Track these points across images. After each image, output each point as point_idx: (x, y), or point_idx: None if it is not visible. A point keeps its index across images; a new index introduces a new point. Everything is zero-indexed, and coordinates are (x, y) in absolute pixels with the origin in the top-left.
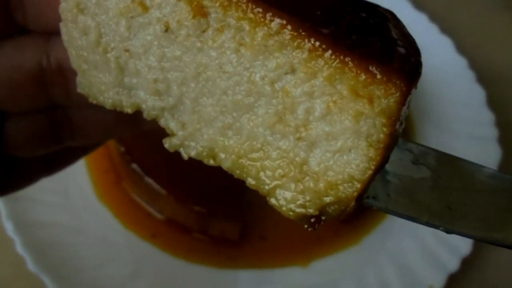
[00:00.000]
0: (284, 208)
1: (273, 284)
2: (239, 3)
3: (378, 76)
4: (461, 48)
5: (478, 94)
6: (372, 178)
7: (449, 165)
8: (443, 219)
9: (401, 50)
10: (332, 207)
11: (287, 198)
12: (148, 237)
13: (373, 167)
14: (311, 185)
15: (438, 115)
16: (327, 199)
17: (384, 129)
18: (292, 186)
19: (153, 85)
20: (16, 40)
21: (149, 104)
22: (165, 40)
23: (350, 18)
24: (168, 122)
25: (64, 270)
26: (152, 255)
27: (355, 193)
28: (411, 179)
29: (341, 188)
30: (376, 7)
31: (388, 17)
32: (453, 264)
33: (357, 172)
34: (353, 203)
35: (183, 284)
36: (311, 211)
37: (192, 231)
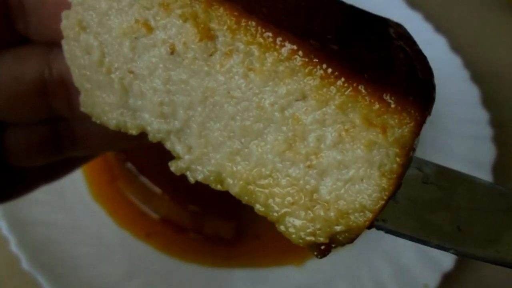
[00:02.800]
0: (293, 236)
1: (267, 283)
2: (248, 27)
3: (393, 105)
4: (456, 46)
5: (472, 92)
6: (384, 207)
7: (459, 183)
8: (453, 241)
9: (414, 73)
10: (343, 235)
11: (297, 226)
12: (143, 236)
13: (385, 197)
14: (322, 213)
15: (433, 113)
16: (338, 228)
17: (398, 159)
18: (302, 214)
19: (159, 108)
20: (17, 51)
21: (155, 126)
22: (171, 63)
23: (362, 38)
24: (174, 146)
25: (59, 269)
26: (146, 254)
27: (367, 222)
28: (421, 200)
29: (352, 217)
30: (386, 22)
31: (399, 33)
32: (447, 263)
33: (369, 202)
34: (363, 231)
35: (177, 283)
36: (321, 239)
37: (186, 231)
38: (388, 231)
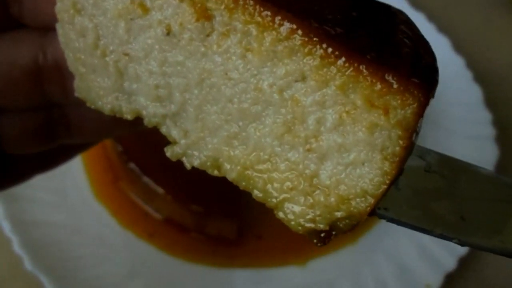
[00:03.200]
0: (292, 223)
1: (270, 283)
2: (246, 6)
3: (395, 86)
4: (459, 47)
5: (475, 93)
6: (386, 192)
7: (462, 172)
8: (457, 231)
9: (417, 56)
10: (343, 222)
11: (296, 212)
12: (146, 236)
13: (388, 182)
14: (322, 199)
15: (436, 114)
16: (338, 214)
17: (401, 141)
18: (302, 199)
19: (154, 91)
20: (11, 35)
21: (150, 110)
22: (167, 44)
23: (364, 21)
24: (170, 130)
25: (62, 270)
26: (149, 255)
27: (368, 208)
28: (424, 189)
29: (353, 203)
30: (388, 8)
31: (402, 19)
32: (450, 263)
33: (371, 187)
34: (365, 217)
35: (180, 283)
36: (321, 226)
37: (189, 231)
38: (390, 220)
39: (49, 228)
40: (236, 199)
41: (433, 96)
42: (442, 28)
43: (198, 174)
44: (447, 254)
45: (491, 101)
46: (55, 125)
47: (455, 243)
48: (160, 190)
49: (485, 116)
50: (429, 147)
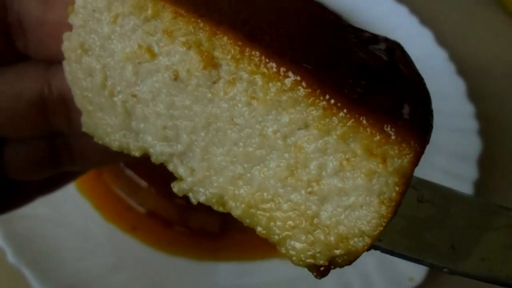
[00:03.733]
0: (294, 258)
1: (253, 276)
2: (252, 57)
3: (393, 137)
4: (442, 40)
5: (458, 86)
6: (382, 232)
7: (453, 201)
8: (447, 260)
9: (415, 102)
10: (342, 258)
11: (297, 249)
12: (129, 229)
13: (384, 224)
14: (322, 237)
15: None
16: (337, 252)
17: (397, 188)
18: (303, 237)
19: (162, 132)
20: (17, 68)
21: (157, 149)
22: (174, 89)
23: (364, 68)
24: (177, 168)
25: (45, 263)
26: (133, 248)
27: (365, 247)
28: (416, 219)
29: (351, 242)
30: (385, 41)
31: (398, 55)
32: None
33: (368, 228)
34: (362, 254)
35: (164, 276)
36: (321, 262)
37: (173, 224)
38: (383, 251)
39: (32, 221)
40: None
41: (428, 142)
42: (425, 20)
43: None
44: None
45: (474, 94)
46: (59, 153)
47: (446, 272)
48: (143, 183)
49: (468, 109)
50: None
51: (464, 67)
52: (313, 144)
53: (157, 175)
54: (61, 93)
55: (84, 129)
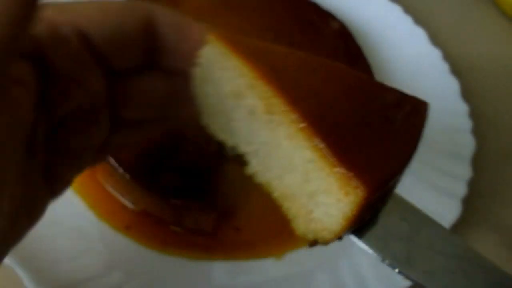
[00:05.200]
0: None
1: (247, 275)
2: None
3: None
4: (436, 39)
5: (452, 85)
6: (343, 232)
7: (428, 227)
8: (400, 265)
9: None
10: (322, 241)
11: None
12: (123, 229)
13: (341, 231)
14: (311, 225)
15: None
16: (319, 236)
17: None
18: (302, 222)
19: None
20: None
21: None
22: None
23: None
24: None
25: (38, 262)
26: (126, 247)
27: (334, 239)
28: (391, 231)
29: (324, 233)
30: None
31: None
32: None
33: (334, 228)
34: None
35: (158, 275)
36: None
37: (166, 223)
38: (356, 241)
39: None
40: (213, 191)
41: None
42: (419, 20)
43: (176, 166)
44: None
45: (468, 93)
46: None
47: (397, 272)
48: (136, 182)
49: (462, 108)
50: None
51: (458, 67)
52: (317, 172)
53: (151, 174)
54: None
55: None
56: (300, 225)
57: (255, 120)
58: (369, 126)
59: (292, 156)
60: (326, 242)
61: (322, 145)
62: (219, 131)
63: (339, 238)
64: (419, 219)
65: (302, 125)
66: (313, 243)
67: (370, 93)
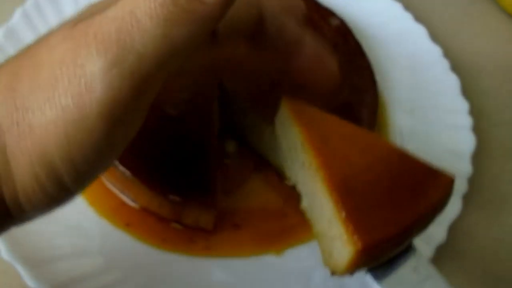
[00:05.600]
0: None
1: (247, 272)
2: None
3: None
4: (436, 36)
5: (452, 82)
6: (350, 272)
7: (431, 279)
8: None
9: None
10: (337, 273)
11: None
12: (123, 226)
13: (347, 270)
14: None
15: (412, 103)
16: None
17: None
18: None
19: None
20: None
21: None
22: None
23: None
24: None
25: (38, 259)
26: (126, 244)
27: (346, 274)
28: (401, 278)
29: (338, 270)
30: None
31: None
32: (427, 252)
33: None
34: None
35: (158, 272)
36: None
37: (166, 220)
38: (371, 275)
39: None
40: (213, 188)
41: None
42: (420, 17)
43: (175, 164)
44: (424, 243)
45: (469, 91)
46: None
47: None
48: (136, 179)
49: (462, 105)
50: (406, 136)
51: (458, 64)
52: (336, 223)
53: (151, 171)
54: None
55: None
56: (325, 258)
57: (305, 171)
58: (388, 195)
59: (323, 205)
60: (340, 275)
61: (339, 204)
62: (286, 168)
63: (351, 273)
64: (428, 273)
65: (327, 183)
66: (332, 273)
67: (398, 166)
